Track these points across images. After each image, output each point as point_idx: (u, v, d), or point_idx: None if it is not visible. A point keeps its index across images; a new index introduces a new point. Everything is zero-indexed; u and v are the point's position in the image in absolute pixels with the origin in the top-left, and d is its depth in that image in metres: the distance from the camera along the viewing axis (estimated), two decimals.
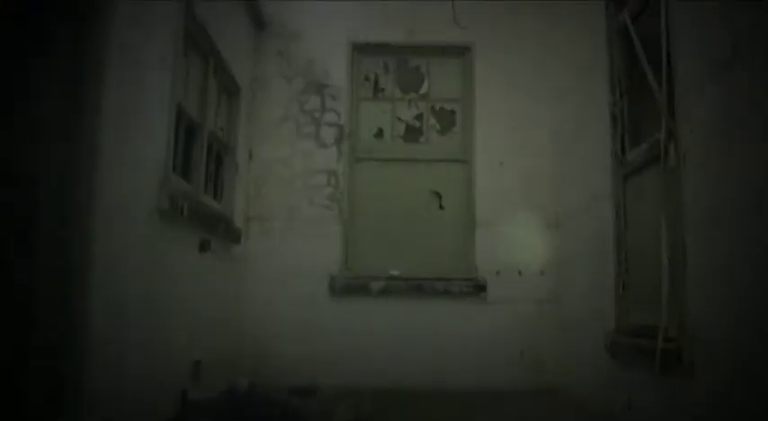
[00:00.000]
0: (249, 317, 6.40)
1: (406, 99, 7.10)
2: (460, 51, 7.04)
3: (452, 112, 7.07)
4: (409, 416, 5.17)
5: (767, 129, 2.93)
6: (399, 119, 7.05)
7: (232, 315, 6.10)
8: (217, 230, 5.37)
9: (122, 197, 3.59)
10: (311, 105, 6.88)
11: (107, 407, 3.35)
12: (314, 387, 5.84)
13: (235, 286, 6.19)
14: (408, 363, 6.25)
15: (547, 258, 6.56)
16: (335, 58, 6.95)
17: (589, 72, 5.57)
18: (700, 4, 3.59)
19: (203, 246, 5.04)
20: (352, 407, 5.13)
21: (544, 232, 6.62)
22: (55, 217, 3.08)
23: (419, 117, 7.06)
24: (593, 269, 5.44)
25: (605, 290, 5.02)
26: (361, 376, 6.14)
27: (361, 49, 7.06)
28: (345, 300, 6.50)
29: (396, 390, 5.89)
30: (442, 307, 6.47)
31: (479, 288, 6.51)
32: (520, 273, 6.56)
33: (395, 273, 6.59)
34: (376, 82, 7.12)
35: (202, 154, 5.31)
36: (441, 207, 6.86)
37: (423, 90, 7.10)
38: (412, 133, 7.04)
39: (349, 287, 6.54)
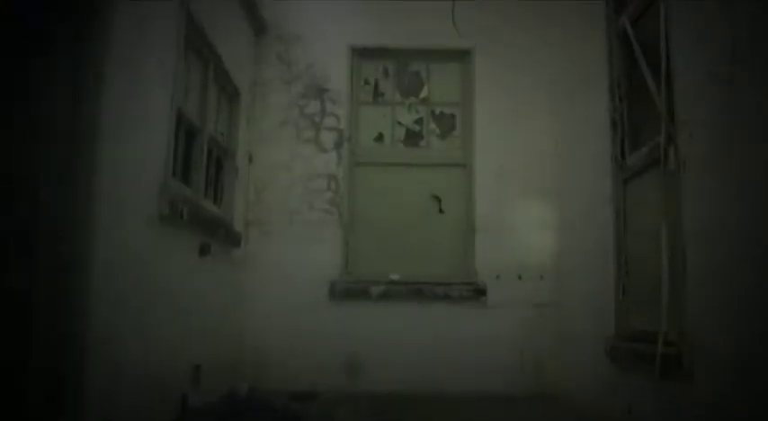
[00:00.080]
0: (249, 321, 6.39)
1: (406, 103, 7.10)
2: (460, 55, 7.04)
3: (452, 117, 7.07)
4: None
5: (767, 133, 2.92)
6: (399, 123, 7.05)
7: (232, 319, 6.09)
8: (217, 234, 5.36)
9: (123, 201, 3.59)
10: (311, 109, 6.87)
11: (107, 408, 3.35)
12: (314, 391, 5.83)
13: (234, 290, 6.17)
14: (408, 368, 6.22)
15: (547, 262, 6.55)
16: (335, 62, 6.95)
17: (589, 76, 5.57)
18: (699, 9, 3.59)
19: (203, 251, 5.03)
20: (352, 411, 5.12)
21: (544, 236, 6.61)
22: (55, 217, 3.08)
23: (419, 121, 7.06)
24: (593, 273, 5.43)
25: (605, 294, 5.01)
26: (361, 380, 6.12)
27: (360, 54, 7.06)
28: (345, 305, 6.49)
29: (395, 395, 5.88)
30: (442, 311, 6.46)
31: (479, 292, 6.50)
32: (520, 277, 6.55)
33: (395, 277, 6.58)
34: (376, 86, 7.12)
35: (202, 158, 5.30)
36: (441, 211, 6.85)
37: (423, 94, 7.10)
38: (412, 137, 7.04)
39: (349, 291, 6.52)
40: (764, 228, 2.92)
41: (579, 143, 5.95)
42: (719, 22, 3.35)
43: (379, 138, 7.04)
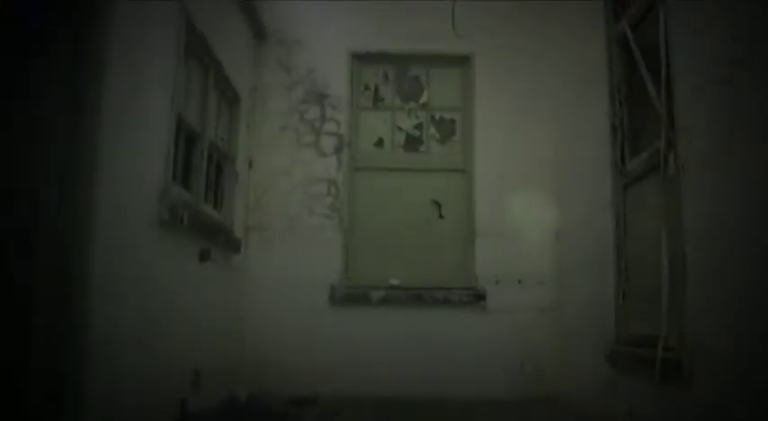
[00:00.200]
0: (249, 326, 6.38)
1: (406, 108, 7.10)
2: (460, 61, 7.05)
3: (452, 122, 7.08)
4: None
5: (767, 132, 2.93)
6: (399, 128, 7.06)
7: (232, 324, 6.08)
8: (217, 240, 5.36)
9: (123, 207, 3.60)
10: (311, 115, 6.88)
11: (107, 408, 3.34)
12: (314, 396, 5.82)
13: (235, 296, 6.16)
14: (408, 372, 6.21)
15: (547, 267, 6.54)
16: (335, 67, 6.96)
17: (589, 82, 5.58)
18: (699, 9, 3.60)
19: (203, 256, 5.03)
20: (353, 416, 5.12)
21: (544, 242, 6.60)
22: (55, 217, 3.08)
23: (419, 126, 7.07)
24: (593, 278, 5.43)
25: (605, 299, 5.00)
26: (362, 385, 6.10)
27: (361, 59, 7.07)
28: (345, 310, 6.48)
29: (396, 399, 5.86)
30: (442, 316, 6.45)
31: (479, 297, 6.50)
32: (520, 282, 6.54)
33: (395, 282, 6.58)
34: (376, 91, 7.13)
35: (202, 163, 5.30)
36: (441, 216, 6.85)
37: (423, 99, 7.11)
38: (412, 142, 7.05)
39: (349, 296, 6.52)
40: (764, 227, 2.92)
41: (579, 148, 5.96)
42: (719, 22, 3.36)
43: (379, 143, 7.04)
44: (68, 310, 3.07)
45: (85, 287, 3.16)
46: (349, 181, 6.83)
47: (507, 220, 6.66)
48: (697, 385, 3.45)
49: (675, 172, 3.80)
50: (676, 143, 3.80)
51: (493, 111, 6.84)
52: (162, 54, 4.23)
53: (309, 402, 5.66)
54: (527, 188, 6.71)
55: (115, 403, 3.47)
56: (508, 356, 6.37)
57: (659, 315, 3.81)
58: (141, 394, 3.84)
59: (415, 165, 6.97)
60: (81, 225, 3.15)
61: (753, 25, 3.06)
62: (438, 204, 6.86)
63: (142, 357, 3.86)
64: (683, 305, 3.65)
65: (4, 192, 2.98)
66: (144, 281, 3.90)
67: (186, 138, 4.96)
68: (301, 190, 6.75)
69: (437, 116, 7.09)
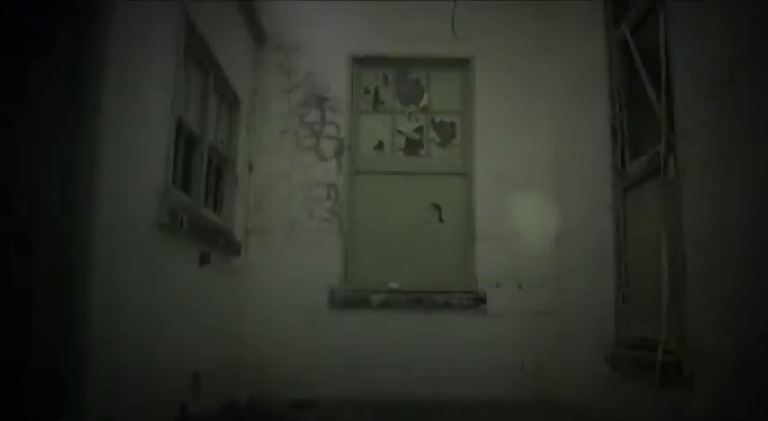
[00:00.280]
0: (249, 330, 6.37)
1: (406, 112, 7.11)
2: (460, 64, 7.06)
3: (452, 125, 7.08)
4: None
5: (767, 133, 2.93)
6: (399, 131, 7.06)
7: (232, 328, 6.07)
8: (217, 243, 5.36)
9: (122, 210, 3.59)
10: (311, 118, 6.88)
11: (107, 408, 3.34)
12: (314, 399, 5.81)
13: (235, 299, 6.16)
14: (408, 375, 6.20)
15: (547, 270, 6.54)
16: (335, 70, 6.96)
17: (589, 85, 5.58)
18: (699, 15, 3.60)
19: (203, 259, 5.02)
20: (353, 419, 5.11)
21: (544, 245, 6.60)
22: (55, 217, 3.08)
23: (419, 130, 7.07)
24: (593, 281, 5.42)
25: (605, 302, 5.00)
26: (362, 388, 6.09)
27: (360, 62, 7.08)
28: (345, 313, 6.48)
29: (396, 402, 5.85)
30: (442, 319, 6.45)
31: (479, 300, 6.50)
32: (520, 285, 6.54)
33: (395, 285, 6.57)
34: (376, 95, 7.13)
35: (202, 167, 5.30)
36: (441, 220, 6.85)
37: (423, 103, 7.12)
38: (412, 146, 7.05)
39: (349, 300, 6.51)
40: (764, 228, 2.91)
41: (579, 151, 5.96)
42: (719, 23, 3.36)
43: (379, 146, 7.05)
44: (68, 310, 3.06)
45: (85, 287, 3.15)
46: (349, 184, 6.83)
47: (507, 223, 6.66)
48: (697, 388, 3.44)
49: (675, 175, 3.80)
50: (676, 146, 3.79)
51: (493, 114, 6.84)
52: (162, 54, 4.23)
53: (309, 405, 5.65)
54: (527, 191, 6.71)
55: (115, 403, 3.46)
56: (508, 358, 6.37)
57: (659, 318, 3.80)
58: (141, 395, 3.83)
59: (415, 168, 6.97)
60: (81, 225, 3.15)
61: (753, 25, 3.06)
62: (438, 207, 6.86)
63: (142, 358, 3.86)
64: (683, 308, 3.64)
65: (4, 192, 2.99)
66: (144, 284, 3.90)
67: (186, 141, 4.96)
68: (301, 193, 6.75)
69: (437, 119, 7.09)
